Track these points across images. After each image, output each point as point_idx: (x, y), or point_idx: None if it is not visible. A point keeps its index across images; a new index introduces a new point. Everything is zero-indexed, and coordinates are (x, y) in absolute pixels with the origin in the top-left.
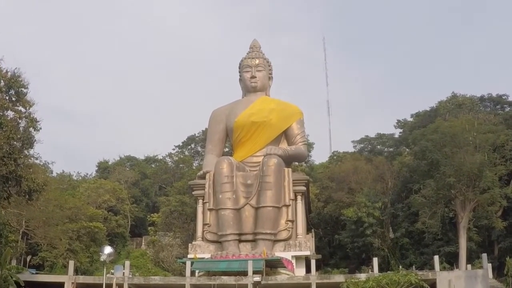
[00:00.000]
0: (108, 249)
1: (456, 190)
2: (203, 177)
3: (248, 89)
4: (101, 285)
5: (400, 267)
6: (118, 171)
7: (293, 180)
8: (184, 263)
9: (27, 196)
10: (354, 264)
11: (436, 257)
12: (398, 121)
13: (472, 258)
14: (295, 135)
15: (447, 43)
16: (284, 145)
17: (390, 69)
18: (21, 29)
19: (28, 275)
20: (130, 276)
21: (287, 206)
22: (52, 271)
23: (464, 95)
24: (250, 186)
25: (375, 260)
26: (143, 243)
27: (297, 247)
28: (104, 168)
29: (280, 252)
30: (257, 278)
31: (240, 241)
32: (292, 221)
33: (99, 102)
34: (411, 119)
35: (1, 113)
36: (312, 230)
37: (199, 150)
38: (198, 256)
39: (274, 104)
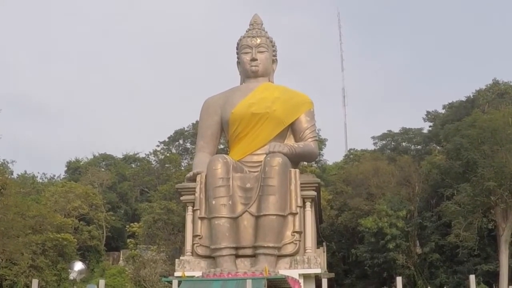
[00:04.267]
0: (79, 266)
1: (497, 197)
2: (193, 179)
3: (248, 74)
4: None
5: None
6: (91, 172)
7: (301, 184)
8: (170, 282)
9: None
10: (374, 285)
11: (472, 277)
12: (428, 113)
13: None
14: (304, 130)
15: (487, 21)
16: (290, 141)
17: (418, 52)
18: None
19: None
20: None
21: (294, 214)
22: None
23: (507, 82)
24: (249, 191)
25: (399, 280)
26: (121, 258)
27: (305, 264)
28: (74, 169)
29: (285, 270)
30: None
31: (237, 256)
32: (299, 233)
33: (68, 92)
34: (443, 111)
35: None
36: (324, 243)
37: (189, 147)
38: (187, 274)
39: (278, 92)
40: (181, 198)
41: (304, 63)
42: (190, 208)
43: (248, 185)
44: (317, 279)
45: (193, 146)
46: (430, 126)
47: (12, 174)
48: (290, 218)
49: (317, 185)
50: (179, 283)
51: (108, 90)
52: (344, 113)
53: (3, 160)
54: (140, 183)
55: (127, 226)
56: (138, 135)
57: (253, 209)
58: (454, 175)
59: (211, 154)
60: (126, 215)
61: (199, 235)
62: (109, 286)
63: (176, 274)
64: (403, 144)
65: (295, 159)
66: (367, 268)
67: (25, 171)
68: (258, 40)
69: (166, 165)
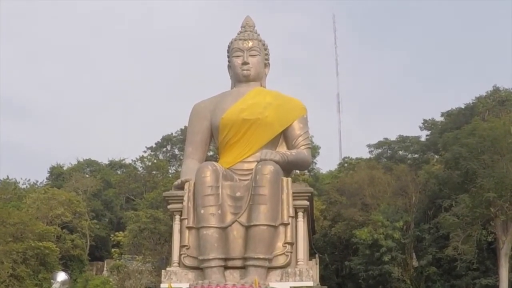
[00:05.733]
0: (61, 276)
1: (497, 208)
2: (181, 187)
3: (239, 79)
4: None
5: None
6: (75, 178)
7: (293, 193)
8: None
9: None
10: None
11: None
12: (425, 121)
13: None
14: (297, 137)
15: (487, 25)
16: (282, 148)
17: (415, 57)
18: None
19: None
20: None
21: (286, 225)
22: None
23: (508, 89)
24: (239, 200)
25: None
26: (105, 269)
27: (297, 276)
28: (57, 175)
29: (275, 282)
30: None
31: (226, 267)
32: (291, 244)
33: (53, 95)
34: (441, 119)
35: None
36: (316, 255)
37: (177, 153)
38: (174, 285)
39: (270, 98)
40: (168, 206)
41: (298, 67)
42: (177, 217)
43: (238, 194)
44: None
45: (181, 153)
46: (427, 135)
47: None
48: (281, 228)
49: (309, 194)
50: None
51: (93, 93)
52: (339, 120)
53: None
54: (126, 191)
55: (112, 235)
56: (124, 140)
57: (243, 218)
58: (452, 185)
59: (200, 161)
60: (111, 223)
61: (187, 246)
62: None
63: (162, 285)
64: (400, 152)
65: (287, 167)
66: (361, 281)
67: (7, 176)
68: (250, 43)
69: (153, 172)
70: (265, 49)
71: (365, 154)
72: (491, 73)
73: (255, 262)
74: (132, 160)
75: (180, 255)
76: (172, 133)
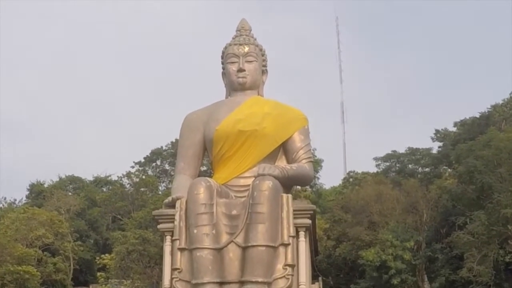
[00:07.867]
0: None
1: None
2: (172, 205)
3: (234, 87)
4: None
5: None
6: (57, 196)
7: (294, 211)
8: None
9: None
10: None
11: None
12: (437, 131)
13: None
14: (297, 150)
15: (503, 30)
16: (282, 162)
17: (426, 63)
18: None
19: None
20: None
21: (286, 245)
22: None
23: None
24: (235, 218)
25: None
26: None
27: None
28: (38, 193)
29: None
30: None
31: None
32: (292, 266)
33: (30, 105)
34: (454, 129)
35: None
36: (320, 278)
37: (167, 168)
38: None
39: (269, 107)
40: (159, 226)
41: (298, 74)
42: (168, 238)
43: (234, 212)
44: None
45: (172, 168)
46: (439, 146)
47: None
48: (281, 249)
49: (312, 212)
50: None
51: (76, 105)
52: (343, 131)
53: None
54: (112, 209)
55: (97, 258)
56: (110, 155)
57: (239, 239)
58: (466, 201)
59: (193, 177)
60: (96, 245)
61: (179, 268)
62: None
63: None
64: (410, 166)
65: (288, 183)
66: None
67: None
68: (246, 48)
69: (142, 189)
70: (263, 55)
71: (371, 168)
72: (508, 79)
73: (253, 286)
74: (118, 176)
75: (172, 279)
76: (162, 147)
